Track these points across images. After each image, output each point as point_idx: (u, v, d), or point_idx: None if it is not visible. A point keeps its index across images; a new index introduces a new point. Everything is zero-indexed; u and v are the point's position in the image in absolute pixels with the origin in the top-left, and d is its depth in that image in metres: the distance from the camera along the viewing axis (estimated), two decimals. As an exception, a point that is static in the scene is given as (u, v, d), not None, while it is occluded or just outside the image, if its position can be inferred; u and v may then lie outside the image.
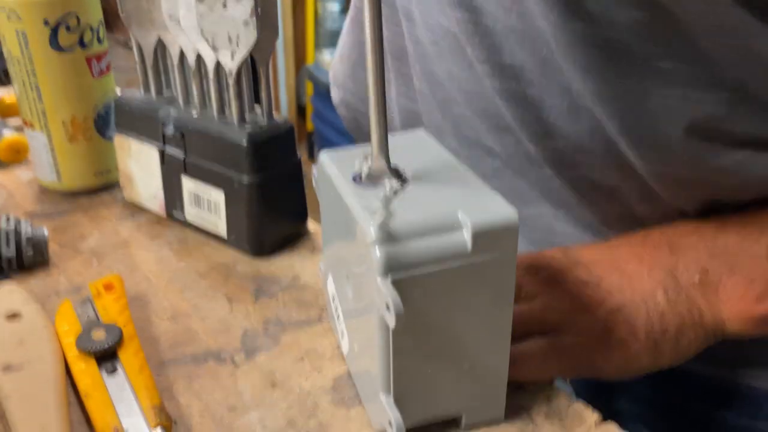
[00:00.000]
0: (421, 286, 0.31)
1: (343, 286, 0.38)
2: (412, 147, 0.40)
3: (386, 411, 0.33)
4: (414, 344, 0.33)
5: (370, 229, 0.31)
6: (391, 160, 0.36)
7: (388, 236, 0.31)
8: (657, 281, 0.42)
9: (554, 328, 0.41)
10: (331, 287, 0.42)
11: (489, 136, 0.51)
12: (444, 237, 0.31)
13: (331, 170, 0.37)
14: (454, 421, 0.37)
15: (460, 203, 0.33)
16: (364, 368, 0.37)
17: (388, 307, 0.30)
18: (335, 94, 0.69)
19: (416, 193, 0.34)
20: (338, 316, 0.41)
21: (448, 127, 0.53)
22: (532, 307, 0.41)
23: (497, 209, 0.32)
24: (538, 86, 0.44)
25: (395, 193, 0.31)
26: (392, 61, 0.56)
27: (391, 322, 0.30)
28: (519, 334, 0.38)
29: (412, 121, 0.57)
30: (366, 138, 0.35)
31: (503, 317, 0.34)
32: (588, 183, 0.48)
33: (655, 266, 0.43)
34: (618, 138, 0.43)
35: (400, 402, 0.34)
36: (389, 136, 0.39)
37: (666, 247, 0.44)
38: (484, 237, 0.31)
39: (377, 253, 0.30)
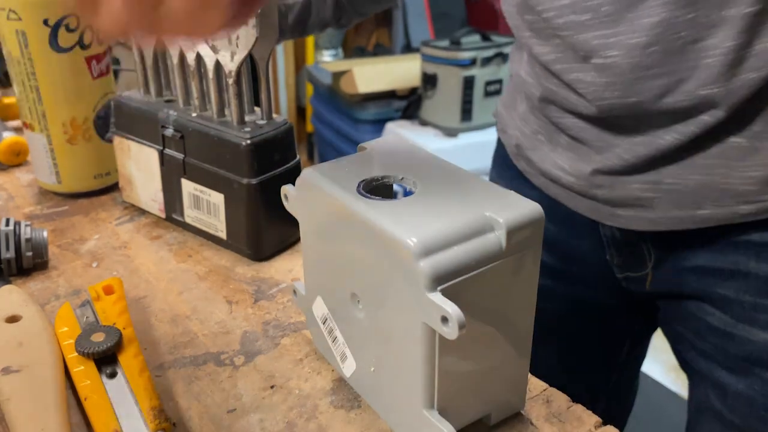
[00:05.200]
0: (462, 293, 0.31)
1: (348, 308, 0.37)
2: (398, 154, 0.39)
3: (434, 425, 0.33)
4: (455, 352, 0.32)
5: (410, 244, 0.30)
6: (386, 169, 0.36)
7: (429, 249, 0.30)
8: None
9: None
10: (320, 310, 0.41)
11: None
12: (478, 240, 0.31)
13: (327, 186, 0.36)
14: (479, 420, 0.37)
15: (482, 205, 0.33)
16: (389, 388, 0.36)
17: (446, 320, 0.29)
18: None
19: (433, 201, 0.34)
20: (335, 339, 0.40)
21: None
22: None
23: (521, 206, 0.33)
24: None
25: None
26: None
27: (453, 333, 0.29)
28: None
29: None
30: None
31: (528, 308, 0.34)
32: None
33: None
34: None
35: (443, 414, 0.33)
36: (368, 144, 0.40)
37: None
38: (516, 234, 0.32)
39: (422, 267, 0.30)
